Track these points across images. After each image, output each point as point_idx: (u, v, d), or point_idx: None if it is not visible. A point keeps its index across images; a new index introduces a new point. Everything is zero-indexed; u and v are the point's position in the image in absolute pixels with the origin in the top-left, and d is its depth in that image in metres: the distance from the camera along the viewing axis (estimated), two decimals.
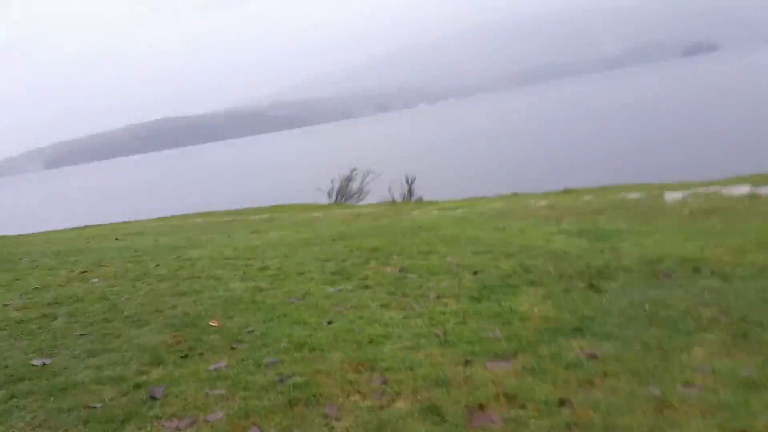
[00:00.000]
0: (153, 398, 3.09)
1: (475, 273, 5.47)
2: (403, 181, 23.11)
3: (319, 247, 7.88)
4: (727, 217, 7.76)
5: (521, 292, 4.73)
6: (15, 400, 3.18)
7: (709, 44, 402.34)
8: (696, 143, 34.55)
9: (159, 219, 21.24)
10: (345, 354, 3.54)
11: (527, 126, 67.68)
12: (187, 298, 5.24)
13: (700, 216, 8.09)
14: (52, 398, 3.16)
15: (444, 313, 4.30)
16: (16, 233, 21.28)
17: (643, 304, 4.12)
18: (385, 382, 3.10)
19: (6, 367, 3.68)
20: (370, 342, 3.74)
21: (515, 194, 15.06)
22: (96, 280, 6.49)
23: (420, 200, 20.57)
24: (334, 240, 8.42)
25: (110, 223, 21.64)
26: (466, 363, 3.27)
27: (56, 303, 5.36)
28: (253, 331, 4.14)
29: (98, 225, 21.53)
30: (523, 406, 2.73)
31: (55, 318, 4.82)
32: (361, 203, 23.63)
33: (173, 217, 21.51)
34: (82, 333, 4.32)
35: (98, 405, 3.04)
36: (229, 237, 10.61)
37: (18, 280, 6.90)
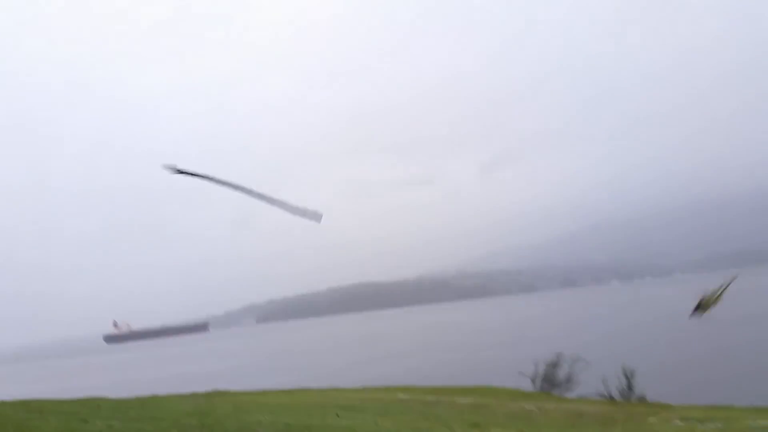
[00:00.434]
0: None
1: None
2: (620, 373, 20.76)
3: None
4: None
5: None
6: None
7: None
8: None
9: (363, 390, 21.49)
10: None
11: (751, 311, 58.83)
12: None
13: None
14: None
15: None
16: (233, 386, 23.04)
17: None
18: None
19: None
20: None
21: None
22: None
23: (643, 400, 18.15)
24: None
25: (318, 389, 22.42)
26: None
27: None
28: None
29: (308, 389, 22.41)
30: None
31: None
32: (571, 395, 21.60)
33: (377, 389, 21.64)
34: None
35: None
36: (450, 430, 10.08)
37: None
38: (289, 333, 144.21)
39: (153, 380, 41.42)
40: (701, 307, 10.10)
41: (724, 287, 10.09)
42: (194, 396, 19.92)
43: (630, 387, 20.26)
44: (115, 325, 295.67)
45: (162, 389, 24.14)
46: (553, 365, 23.45)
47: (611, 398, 18.54)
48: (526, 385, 21.96)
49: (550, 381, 22.78)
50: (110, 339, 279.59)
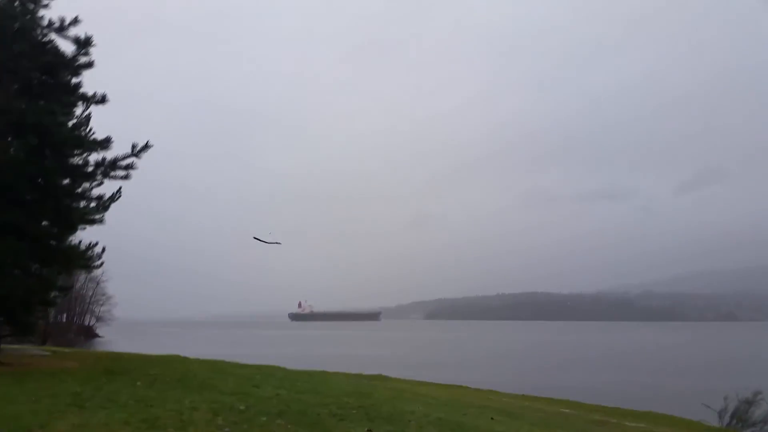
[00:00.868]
0: None
1: None
2: None
3: None
4: None
5: None
6: None
7: None
8: None
9: (524, 398, 20.66)
10: None
11: None
12: None
13: None
14: None
15: None
16: (395, 374, 23.66)
17: None
18: None
19: None
20: None
21: None
22: None
23: None
24: None
25: (477, 389, 22.07)
26: None
27: None
28: None
29: (467, 388, 22.17)
30: None
31: None
32: None
33: (539, 399, 20.66)
34: None
35: None
36: None
37: None
38: (455, 332, 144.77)
39: (324, 357, 44.29)
40: None
41: None
42: (358, 377, 20.85)
43: None
44: (300, 305, 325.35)
45: (331, 367, 25.67)
46: (749, 403, 20.41)
47: None
48: (711, 420, 19.34)
49: (742, 419, 19.83)
50: (294, 317, 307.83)
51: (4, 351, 17.62)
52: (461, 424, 10.02)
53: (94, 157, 15.29)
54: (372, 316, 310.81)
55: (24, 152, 13.89)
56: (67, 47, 14.97)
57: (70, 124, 14.97)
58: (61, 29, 14.78)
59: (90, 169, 15.20)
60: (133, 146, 15.26)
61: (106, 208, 15.63)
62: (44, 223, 15.04)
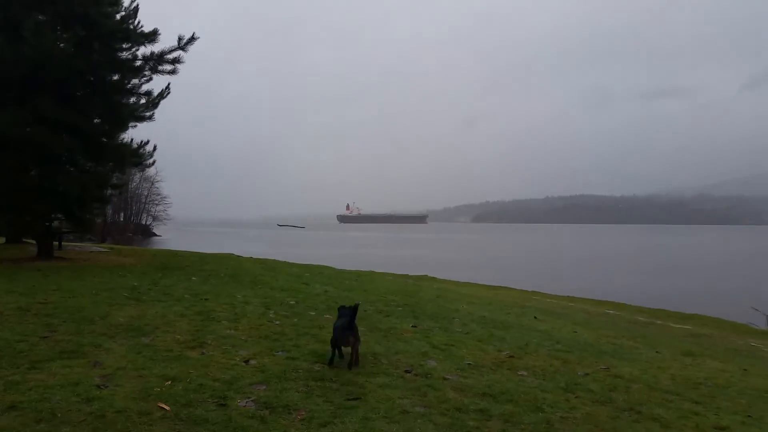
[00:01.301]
0: None
1: None
2: None
3: None
4: None
5: None
6: None
7: None
8: None
9: (568, 299, 20.81)
10: None
11: None
12: None
13: None
14: None
15: None
16: (441, 275, 24.10)
17: None
18: None
19: None
20: None
21: None
22: (524, 373, 6.12)
23: None
24: None
25: (520, 290, 22.31)
26: None
27: (490, 395, 5.11)
28: None
29: (511, 289, 22.42)
30: None
31: (490, 418, 4.51)
32: None
33: (583, 300, 20.77)
34: None
35: None
36: (657, 353, 9.14)
37: (452, 346, 7.15)
38: (502, 234, 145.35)
39: (371, 258, 45.42)
40: None
41: None
42: (404, 277, 21.31)
43: None
44: (348, 207, 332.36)
45: (377, 267, 26.29)
46: None
47: None
48: (759, 323, 19.07)
49: None
50: (343, 219, 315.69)
51: (66, 248, 18.70)
52: (504, 322, 10.14)
53: (142, 52, 15.24)
54: (419, 218, 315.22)
55: (72, 45, 13.91)
56: None
57: (118, 16, 14.80)
58: None
59: (138, 63, 15.18)
60: (179, 39, 15.04)
61: (155, 104, 15.76)
62: (96, 120, 15.32)
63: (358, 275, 18.18)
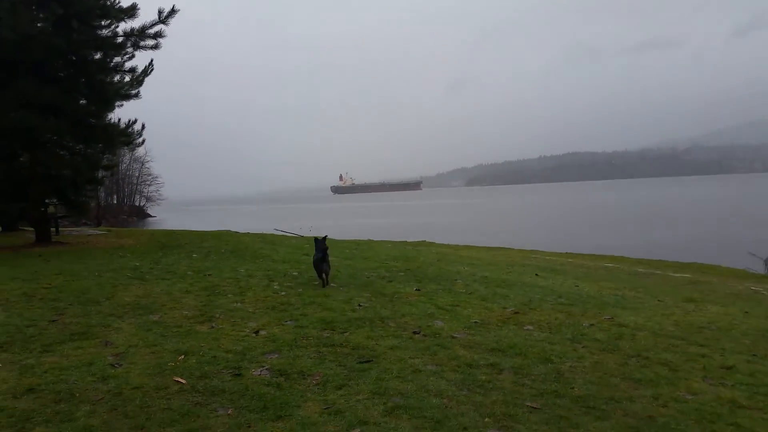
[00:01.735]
0: None
1: None
2: None
3: None
4: None
5: None
6: None
7: None
8: None
9: (567, 255, 20.96)
10: None
11: None
12: (644, 391, 4.35)
13: None
14: None
15: None
16: (439, 240, 24.21)
17: None
18: None
19: (464, 429, 3.49)
20: None
21: None
22: (530, 327, 6.21)
23: None
24: None
25: (520, 249, 22.46)
26: None
27: (499, 350, 5.19)
28: None
29: (510, 249, 22.56)
30: None
31: (501, 371, 4.59)
32: None
33: (582, 255, 20.94)
34: (533, 405, 3.90)
35: None
36: (659, 301, 9.27)
37: (457, 306, 7.23)
38: (496, 197, 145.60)
39: (368, 227, 45.52)
40: None
41: None
42: (403, 244, 21.40)
43: None
44: (341, 178, 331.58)
45: (375, 236, 26.38)
46: None
47: None
48: (757, 268, 19.31)
49: None
50: (336, 190, 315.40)
51: (63, 232, 18.65)
52: (506, 280, 10.23)
53: (122, 28, 14.98)
54: (413, 185, 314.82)
55: (51, 24, 13.64)
56: None
57: None
58: None
59: (120, 40, 14.92)
60: (160, 12, 14.75)
61: (140, 82, 15.55)
62: (82, 101, 15.12)
63: (357, 244, 18.25)
